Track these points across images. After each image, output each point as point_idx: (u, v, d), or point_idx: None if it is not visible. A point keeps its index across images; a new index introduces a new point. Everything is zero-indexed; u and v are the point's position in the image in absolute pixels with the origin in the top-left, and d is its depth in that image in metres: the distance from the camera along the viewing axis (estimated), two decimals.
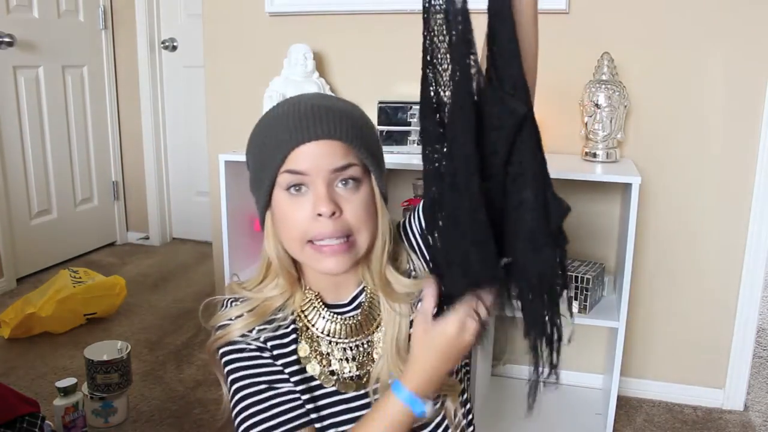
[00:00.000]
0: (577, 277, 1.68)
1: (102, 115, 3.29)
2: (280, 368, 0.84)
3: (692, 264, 1.88)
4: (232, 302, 0.88)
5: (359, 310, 0.88)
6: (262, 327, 0.85)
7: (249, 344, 0.84)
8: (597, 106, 1.71)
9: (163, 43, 3.29)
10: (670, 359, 1.96)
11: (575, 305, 1.68)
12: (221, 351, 0.85)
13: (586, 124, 1.75)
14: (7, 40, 2.68)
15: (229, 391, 0.83)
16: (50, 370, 2.08)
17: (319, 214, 0.78)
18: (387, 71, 2.02)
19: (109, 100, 3.32)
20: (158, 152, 3.40)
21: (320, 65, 2.02)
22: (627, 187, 1.59)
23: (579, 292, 1.67)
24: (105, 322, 2.45)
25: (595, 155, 1.74)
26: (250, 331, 0.85)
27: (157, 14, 3.26)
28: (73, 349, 2.21)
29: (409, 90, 1.98)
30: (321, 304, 0.88)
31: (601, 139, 1.73)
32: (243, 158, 1.91)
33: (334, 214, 0.78)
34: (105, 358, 1.77)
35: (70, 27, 3.05)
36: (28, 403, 1.45)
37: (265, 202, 0.85)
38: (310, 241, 0.80)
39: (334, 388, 0.86)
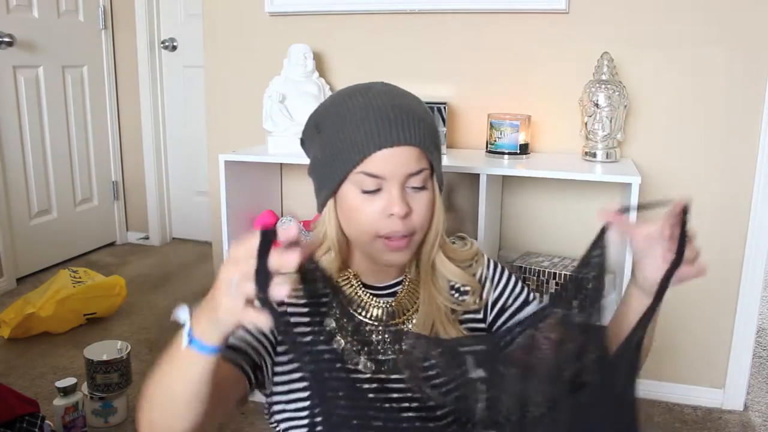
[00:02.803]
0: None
1: (102, 115, 3.29)
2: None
3: None
4: None
5: (393, 299, 0.91)
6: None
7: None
8: (597, 105, 1.71)
9: (163, 43, 3.29)
10: (670, 359, 1.96)
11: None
12: None
13: (585, 123, 1.75)
14: (7, 40, 2.68)
15: None
16: (50, 370, 2.08)
17: (391, 214, 0.82)
18: (387, 71, 2.02)
19: (109, 100, 3.32)
20: (158, 152, 3.40)
21: (320, 65, 2.02)
22: (627, 187, 1.59)
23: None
24: (105, 322, 2.45)
25: (594, 155, 1.74)
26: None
27: (157, 14, 3.26)
28: (73, 349, 2.21)
29: (410, 90, 1.98)
30: (359, 282, 0.91)
31: (600, 138, 1.73)
32: (243, 158, 1.92)
33: (406, 215, 0.82)
34: (105, 358, 1.77)
35: (70, 27, 3.05)
36: (27, 403, 1.45)
37: (330, 191, 0.86)
38: (379, 236, 0.83)
39: (352, 367, 0.85)
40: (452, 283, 0.93)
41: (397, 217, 0.82)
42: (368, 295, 0.90)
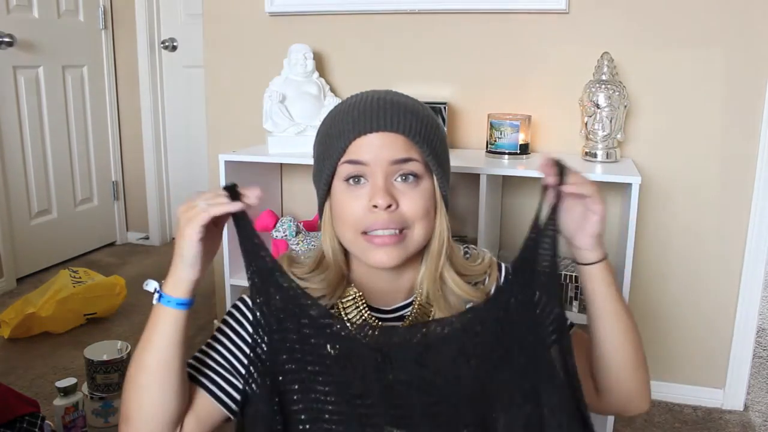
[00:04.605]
0: (577, 276, 1.68)
1: (102, 115, 3.29)
2: (252, 344, 0.82)
3: (692, 264, 1.88)
4: None
5: (400, 323, 0.87)
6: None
7: (251, 313, 0.84)
8: (597, 106, 1.71)
9: (163, 43, 3.29)
10: (670, 359, 1.96)
11: (575, 305, 1.68)
12: (240, 298, 0.87)
13: (586, 124, 1.75)
14: (7, 40, 2.68)
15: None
16: (50, 370, 2.08)
17: (375, 206, 0.79)
18: (387, 71, 2.02)
19: (109, 100, 3.32)
20: (158, 152, 3.40)
21: (320, 65, 2.02)
22: (627, 187, 1.59)
23: (579, 292, 1.67)
24: (105, 322, 2.45)
25: (595, 155, 1.74)
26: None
27: (157, 14, 3.26)
28: (73, 349, 2.21)
29: (410, 90, 1.97)
30: (364, 304, 0.87)
31: (601, 139, 1.73)
32: (242, 158, 1.92)
33: (389, 206, 0.79)
34: (105, 358, 1.77)
35: (70, 27, 3.05)
36: (28, 403, 1.45)
37: (324, 193, 0.85)
38: (364, 233, 0.80)
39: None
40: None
41: (381, 209, 0.78)
42: (373, 318, 0.86)
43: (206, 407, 0.81)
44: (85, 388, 1.79)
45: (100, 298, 2.43)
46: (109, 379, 1.77)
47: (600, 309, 0.82)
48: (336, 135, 0.82)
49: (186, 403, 0.79)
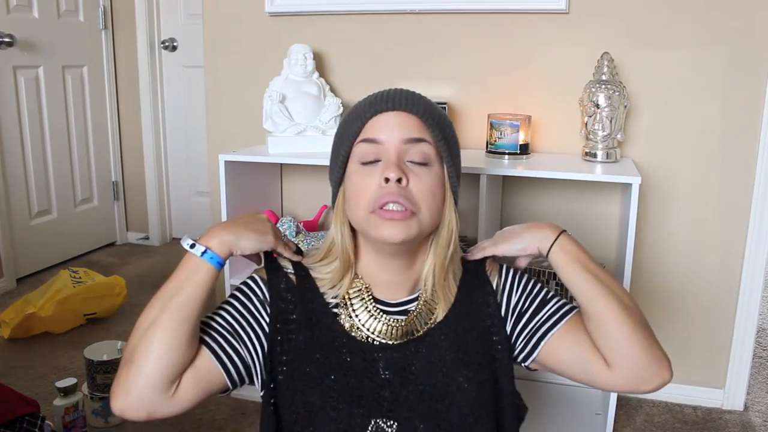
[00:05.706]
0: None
1: (102, 115, 3.29)
2: (260, 321, 0.87)
3: (692, 264, 1.88)
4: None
5: (405, 317, 0.88)
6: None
7: (261, 291, 0.89)
8: (597, 106, 1.71)
9: (163, 43, 3.29)
10: (670, 359, 1.95)
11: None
12: (251, 275, 0.91)
13: (586, 124, 1.75)
14: (7, 40, 2.68)
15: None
16: (50, 370, 2.08)
17: (387, 179, 0.81)
18: (387, 71, 2.02)
19: (109, 100, 3.32)
20: (158, 152, 3.40)
21: (320, 65, 2.02)
22: (627, 187, 1.59)
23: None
24: (105, 322, 2.45)
25: (595, 155, 1.74)
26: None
27: (157, 14, 3.26)
28: (73, 349, 2.21)
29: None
30: (369, 296, 0.89)
31: (601, 139, 1.73)
32: (243, 158, 1.92)
33: (400, 180, 0.81)
34: (105, 358, 1.77)
35: (70, 27, 3.05)
36: (28, 403, 1.45)
37: (339, 176, 0.87)
38: (374, 211, 0.82)
39: None
40: None
41: (392, 181, 0.80)
42: (378, 311, 0.88)
43: (205, 365, 0.83)
44: (85, 388, 1.79)
45: (100, 298, 2.43)
46: (109, 379, 1.77)
47: (568, 283, 0.89)
48: (352, 119, 0.86)
49: (189, 361, 0.81)
